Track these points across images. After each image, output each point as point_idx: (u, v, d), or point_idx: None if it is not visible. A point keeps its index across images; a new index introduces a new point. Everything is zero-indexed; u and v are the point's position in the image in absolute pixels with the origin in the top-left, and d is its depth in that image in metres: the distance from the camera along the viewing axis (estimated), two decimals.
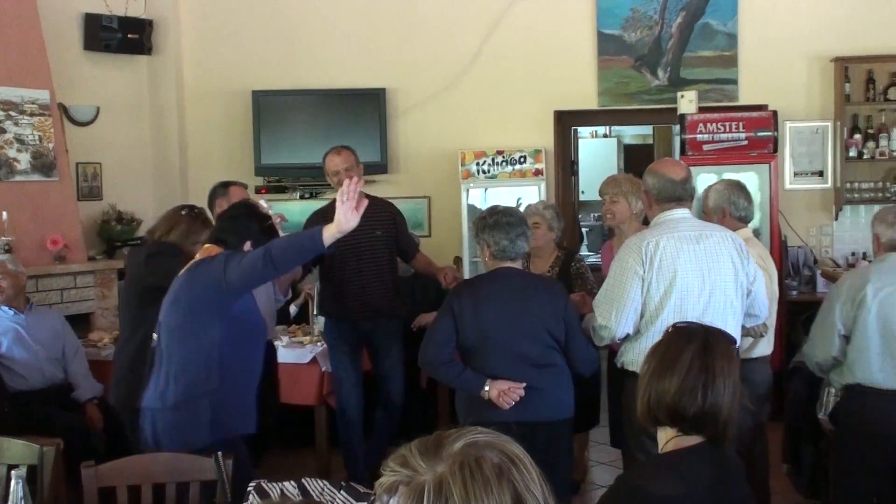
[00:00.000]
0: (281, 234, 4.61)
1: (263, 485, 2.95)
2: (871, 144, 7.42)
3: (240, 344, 3.61)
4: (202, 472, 3.17)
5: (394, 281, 5.57)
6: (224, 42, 8.10)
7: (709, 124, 6.93)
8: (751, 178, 6.66)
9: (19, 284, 5.45)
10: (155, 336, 3.72)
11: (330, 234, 3.39)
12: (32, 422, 4.76)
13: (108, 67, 7.64)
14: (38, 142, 6.80)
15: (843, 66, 7.37)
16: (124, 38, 7.55)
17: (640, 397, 2.48)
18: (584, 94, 7.80)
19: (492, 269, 4.10)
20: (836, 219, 7.52)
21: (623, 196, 5.07)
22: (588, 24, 7.78)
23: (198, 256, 3.72)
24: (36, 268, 6.44)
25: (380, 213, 5.44)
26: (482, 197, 7.75)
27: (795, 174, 7.55)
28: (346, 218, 3.36)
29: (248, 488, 2.94)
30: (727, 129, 6.90)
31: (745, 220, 4.69)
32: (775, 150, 6.95)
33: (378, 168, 7.75)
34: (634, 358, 3.90)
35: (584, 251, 10.72)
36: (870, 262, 5.71)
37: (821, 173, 7.53)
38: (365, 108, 7.85)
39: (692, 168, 6.74)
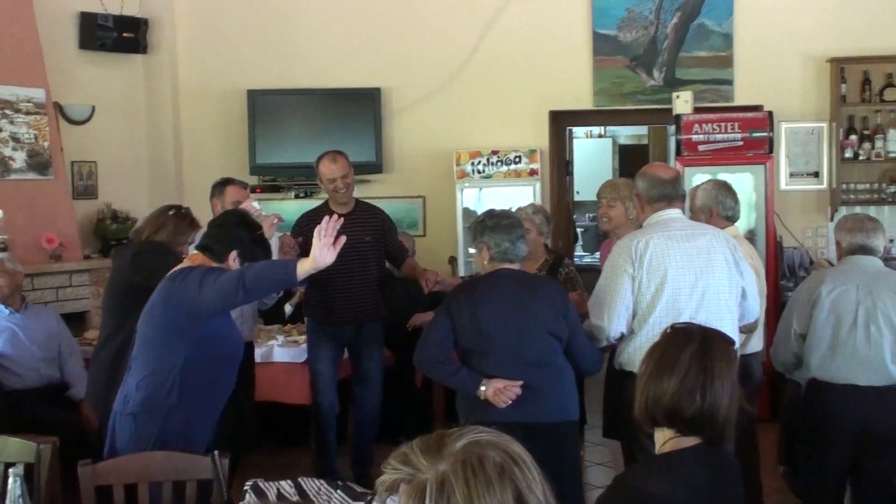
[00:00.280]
0: (276, 234, 4.63)
1: (260, 484, 2.95)
2: (866, 145, 7.44)
3: (207, 365, 3.57)
4: (199, 472, 3.18)
5: (379, 286, 5.57)
6: (219, 41, 8.10)
7: (704, 125, 6.94)
8: (746, 178, 6.67)
9: (16, 283, 5.43)
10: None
11: (304, 269, 3.38)
12: (28, 420, 4.72)
13: (103, 66, 7.63)
14: (33, 140, 6.79)
15: (839, 66, 7.38)
16: (120, 36, 7.54)
17: (638, 398, 2.47)
18: (580, 95, 7.81)
19: (490, 271, 4.09)
20: (832, 220, 7.48)
21: (620, 201, 5.08)
22: (583, 24, 7.78)
23: (185, 262, 3.70)
24: (31, 266, 6.43)
25: (369, 219, 5.45)
26: (477, 197, 7.75)
27: (791, 175, 7.55)
28: (323, 254, 3.35)
29: (245, 487, 2.94)
30: (723, 130, 6.91)
31: (731, 220, 4.80)
32: (771, 151, 6.96)
33: (373, 168, 7.75)
34: (630, 357, 3.92)
35: (578, 251, 10.75)
36: None
37: (816, 174, 7.54)
38: (360, 107, 7.85)
39: (687, 168, 6.84)
